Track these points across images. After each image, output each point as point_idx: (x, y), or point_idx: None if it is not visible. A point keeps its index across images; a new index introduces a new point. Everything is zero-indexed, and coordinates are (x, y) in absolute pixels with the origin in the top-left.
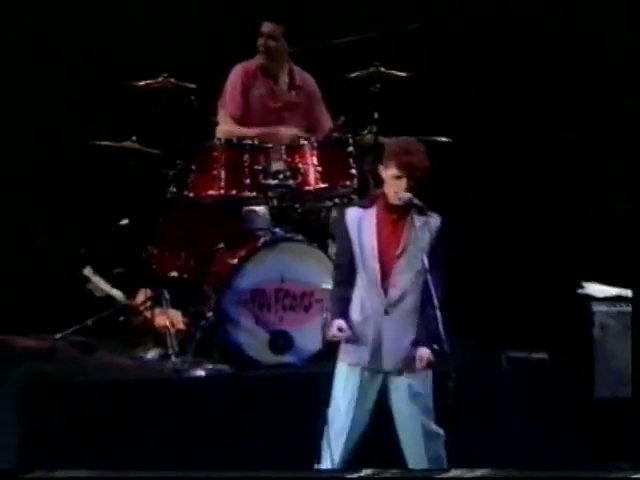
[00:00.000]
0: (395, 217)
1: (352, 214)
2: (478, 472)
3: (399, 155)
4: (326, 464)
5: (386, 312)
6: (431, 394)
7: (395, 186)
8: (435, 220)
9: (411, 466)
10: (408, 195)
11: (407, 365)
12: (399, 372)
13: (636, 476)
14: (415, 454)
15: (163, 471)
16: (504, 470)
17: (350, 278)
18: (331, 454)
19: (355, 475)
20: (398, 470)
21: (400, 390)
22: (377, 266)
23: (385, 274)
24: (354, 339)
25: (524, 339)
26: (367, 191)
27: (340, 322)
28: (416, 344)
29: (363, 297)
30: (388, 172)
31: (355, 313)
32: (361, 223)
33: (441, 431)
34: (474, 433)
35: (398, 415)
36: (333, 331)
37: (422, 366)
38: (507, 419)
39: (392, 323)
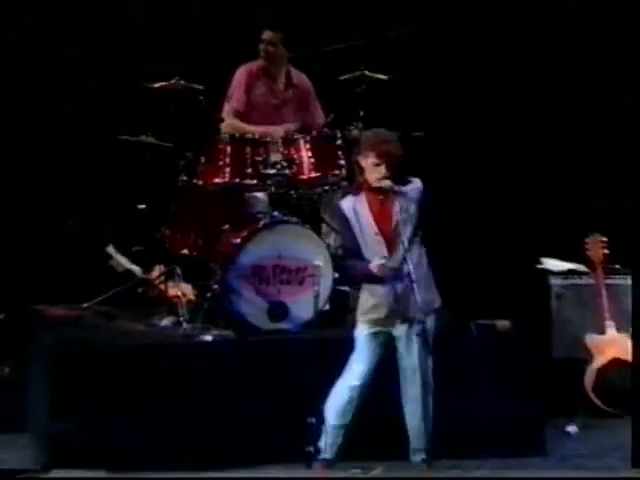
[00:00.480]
0: (382, 197)
1: (346, 204)
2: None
3: (377, 145)
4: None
5: (388, 281)
6: (431, 349)
7: (376, 172)
8: (415, 187)
9: (409, 419)
10: (388, 183)
11: (415, 321)
12: (409, 328)
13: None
14: (415, 408)
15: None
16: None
17: (358, 256)
18: (337, 419)
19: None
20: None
21: (406, 344)
22: (381, 239)
23: (388, 249)
24: (376, 295)
25: (490, 308)
26: (354, 179)
27: (375, 262)
28: (420, 299)
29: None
30: (368, 160)
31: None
32: (356, 209)
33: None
34: (449, 391)
35: (405, 369)
36: (375, 263)
37: (430, 310)
38: (476, 378)
39: (399, 285)
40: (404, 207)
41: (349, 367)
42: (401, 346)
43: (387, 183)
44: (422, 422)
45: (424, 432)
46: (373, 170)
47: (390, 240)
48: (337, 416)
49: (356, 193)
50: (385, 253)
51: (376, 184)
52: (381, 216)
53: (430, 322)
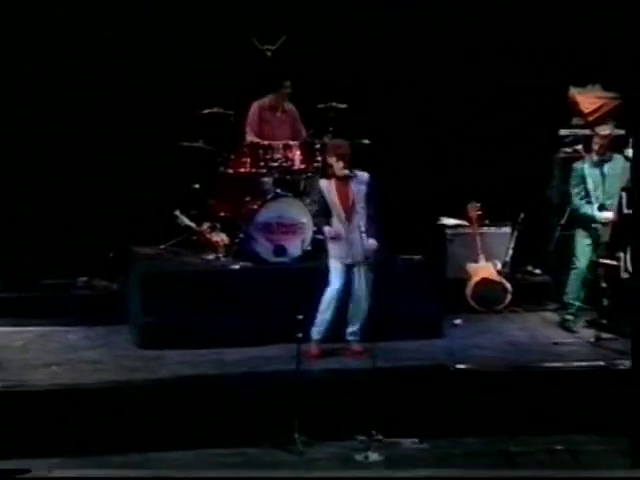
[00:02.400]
0: (343, 183)
1: (323, 184)
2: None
3: (337, 148)
4: (320, 320)
5: (349, 232)
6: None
7: (338, 166)
8: (363, 177)
9: (353, 311)
10: (346, 171)
11: (363, 257)
12: (360, 262)
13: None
14: (360, 316)
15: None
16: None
17: (328, 216)
18: (325, 314)
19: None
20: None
21: (359, 274)
22: (342, 212)
23: (347, 214)
24: (338, 243)
25: (409, 249)
26: (325, 170)
27: (328, 227)
28: (366, 244)
29: (336, 225)
30: (332, 159)
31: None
32: (329, 189)
33: (367, 303)
34: (382, 297)
35: (355, 289)
36: (327, 232)
37: (372, 250)
38: (399, 289)
39: (353, 237)
40: (356, 189)
41: (329, 284)
42: (355, 271)
43: (345, 172)
44: (361, 314)
45: (360, 321)
46: (337, 165)
47: (347, 208)
48: (325, 313)
49: (328, 178)
50: (343, 216)
51: (339, 173)
52: (343, 194)
53: (372, 257)
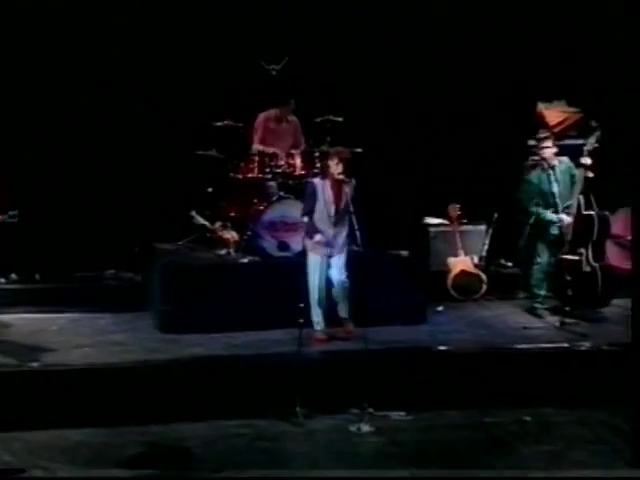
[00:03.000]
0: (337, 184)
1: (318, 182)
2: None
3: (340, 153)
4: (315, 312)
5: (333, 229)
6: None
7: (337, 169)
8: (352, 183)
9: (341, 302)
10: (342, 175)
11: (339, 252)
12: (336, 255)
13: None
14: (345, 294)
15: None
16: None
17: (313, 213)
18: (317, 307)
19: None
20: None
21: (335, 262)
22: (333, 208)
23: (337, 212)
24: (321, 242)
25: (397, 245)
26: (322, 172)
27: (319, 235)
28: (345, 242)
29: (321, 223)
30: (333, 162)
31: (319, 230)
32: (323, 188)
33: (347, 283)
34: (373, 288)
35: (333, 277)
36: (317, 238)
37: (344, 249)
38: (388, 281)
39: (336, 234)
40: (348, 191)
41: (309, 279)
42: (333, 262)
43: (342, 177)
44: (345, 292)
45: (346, 297)
46: (336, 168)
47: (339, 207)
48: (316, 307)
49: (323, 179)
50: (333, 213)
51: (336, 176)
52: (335, 196)
53: (347, 251)
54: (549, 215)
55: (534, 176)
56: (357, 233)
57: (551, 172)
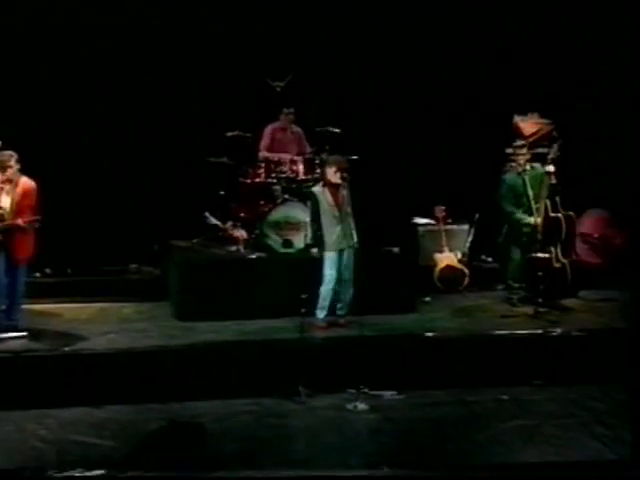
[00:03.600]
0: (336, 189)
1: (317, 190)
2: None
3: (336, 162)
4: (323, 302)
5: (341, 225)
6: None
7: (335, 176)
8: (347, 186)
9: (342, 294)
10: (339, 180)
11: (347, 247)
12: (345, 251)
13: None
14: (348, 294)
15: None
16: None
17: (318, 218)
18: (327, 299)
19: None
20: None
21: (345, 259)
22: (336, 210)
23: (339, 212)
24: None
25: (389, 242)
26: (322, 179)
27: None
28: (352, 237)
29: (329, 224)
30: (332, 169)
31: (328, 231)
32: (324, 194)
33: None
34: (367, 279)
35: (343, 271)
36: (332, 238)
37: (353, 244)
38: (382, 277)
39: (342, 232)
40: (345, 195)
41: (325, 274)
42: (343, 258)
43: (339, 182)
44: (349, 292)
45: (348, 298)
46: (334, 175)
47: (339, 207)
48: (326, 300)
49: (323, 186)
50: (337, 214)
51: (334, 181)
52: (335, 197)
53: (355, 247)
54: (520, 215)
55: (509, 178)
56: (354, 232)
57: (525, 176)
